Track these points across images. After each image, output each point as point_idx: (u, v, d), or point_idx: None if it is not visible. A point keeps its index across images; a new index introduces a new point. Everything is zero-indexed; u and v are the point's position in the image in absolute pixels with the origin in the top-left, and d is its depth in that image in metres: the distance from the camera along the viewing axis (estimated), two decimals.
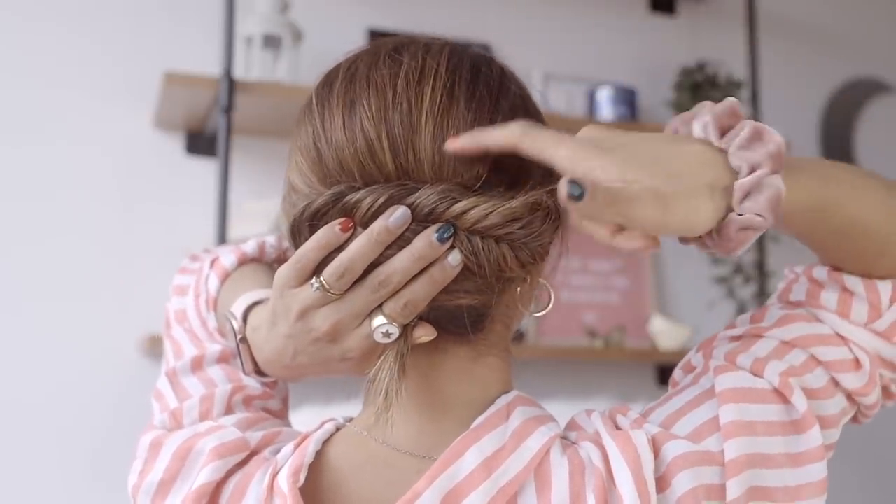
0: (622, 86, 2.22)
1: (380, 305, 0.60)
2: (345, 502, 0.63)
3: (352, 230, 0.59)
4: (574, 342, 2.11)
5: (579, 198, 0.52)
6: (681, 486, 0.59)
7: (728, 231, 0.57)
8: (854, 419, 0.70)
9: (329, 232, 0.59)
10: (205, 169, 1.94)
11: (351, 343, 0.61)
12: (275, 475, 0.62)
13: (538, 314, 0.66)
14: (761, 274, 2.20)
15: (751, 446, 0.61)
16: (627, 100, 2.20)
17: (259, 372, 0.70)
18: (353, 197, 0.59)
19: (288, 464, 0.62)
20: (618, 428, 0.64)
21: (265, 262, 0.82)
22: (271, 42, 1.88)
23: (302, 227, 0.61)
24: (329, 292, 0.59)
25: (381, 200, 0.58)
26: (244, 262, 0.78)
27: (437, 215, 0.58)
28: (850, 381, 0.66)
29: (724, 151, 0.58)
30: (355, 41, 2.11)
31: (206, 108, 1.84)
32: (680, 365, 0.73)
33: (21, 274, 1.81)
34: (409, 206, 0.58)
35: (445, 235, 0.58)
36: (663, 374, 2.23)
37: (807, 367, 0.66)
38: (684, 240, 0.60)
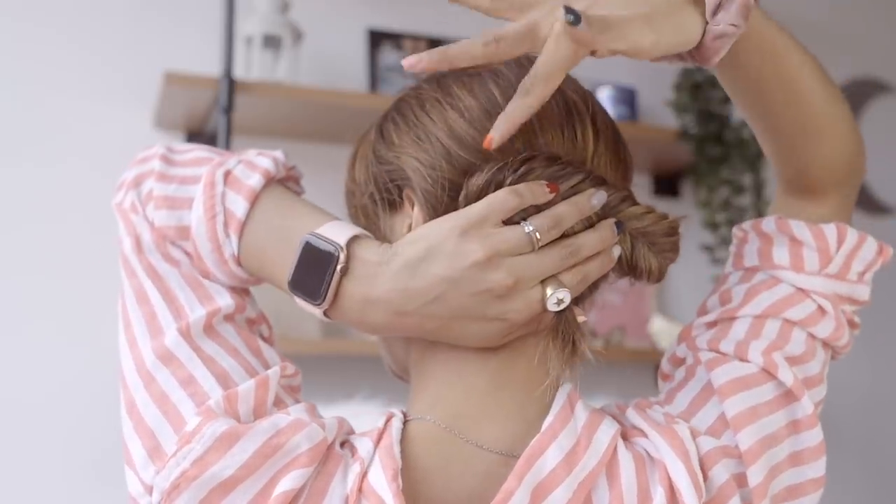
0: (622, 86, 2.22)
1: (555, 276, 0.64)
2: (438, 500, 0.63)
3: (556, 193, 0.64)
4: None
5: (575, 22, 0.58)
6: (718, 478, 0.63)
7: (705, 41, 0.63)
8: (832, 358, 0.75)
9: (541, 187, 0.64)
10: None
11: (518, 304, 0.62)
12: (363, 476, 0.60)
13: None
14: None
15: (760, 431, 0.66)
16: (627, 100, 2.20)
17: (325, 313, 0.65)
18: (565, 169, 0.65)
19: (378, 465, 0.61)
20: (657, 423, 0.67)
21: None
22: (271, 42, 1.88)
23: (502, 179, 0.64)
24: (536, 240, 0.63)
25: (585, 182, 0.66)
26: (269, 181, 0.69)
27: (617, 211, 0.66)
28: (822, 330, 0.72)
29: None
30: (355, 41, 2.11)
31: (206, 108, 1.84)
32: (666, 357, 0.77)
33: (21, 274, 1.81)
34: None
35: (620, 230, 0.66)
36: None
37: (784, 335, 0.71)
38: (666, 58, 0.66)
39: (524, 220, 0.63)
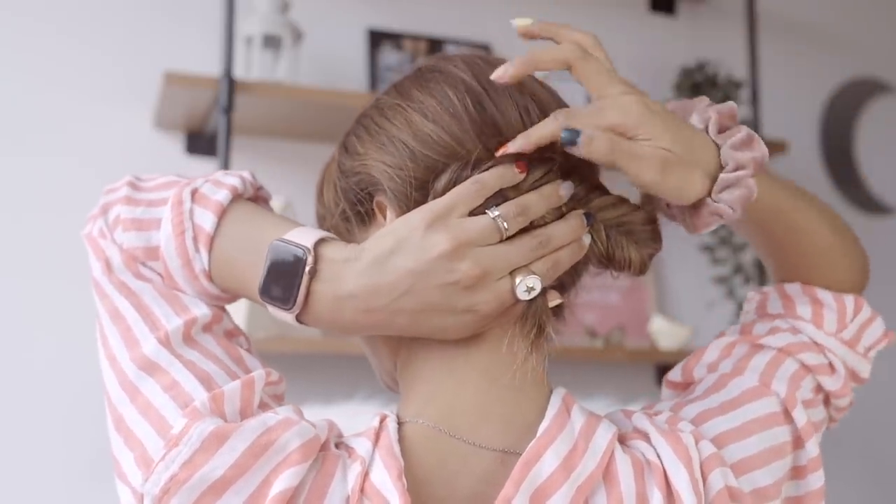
0: None
1: (525, 266, 0.63)
2: (439, 500, 0.62)
3: (526, 173, 0.65)
4: (574, 342, 2.11)
5: (574, 142, 0.62)
6: (714, 485, 0.64)
7: (701, 211, 0.66)
8: (829, 422, 0.78)
9: (509, 169, 0.65)
10: (205, 169, 1.94)
11: (487, 295, 0.62)
12: (365, 475, 0.60)
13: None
14: (761, 274, 2.20)
15: (763, 442, 0.69)
16: None
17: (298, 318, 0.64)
18: (530, 163, 0.66)
19: (381, 465, 0.60)
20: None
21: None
22: (271, 42, 1.88)
23: (466, 177, 0.65)
24: (503, 228, 0.63)
25: (551, 174, 0.66)
26: (236, 196, 0.69)
27: (587, 202, 0.67)
28: (830, 383, 0.75)
29: (717, 146, 0.66)
30: (355, 41, 2.11)
31: (206, 108, 1.84)
32: (676, 376, 0.79)
33: (20, 272, 1.81)
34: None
35: (590, 221, 0.67)
36: (663, 374, 2.22)
37: (799, 377, 0.74)
38: (660, 208, 0.69)
39: (490, 208, 0.64)
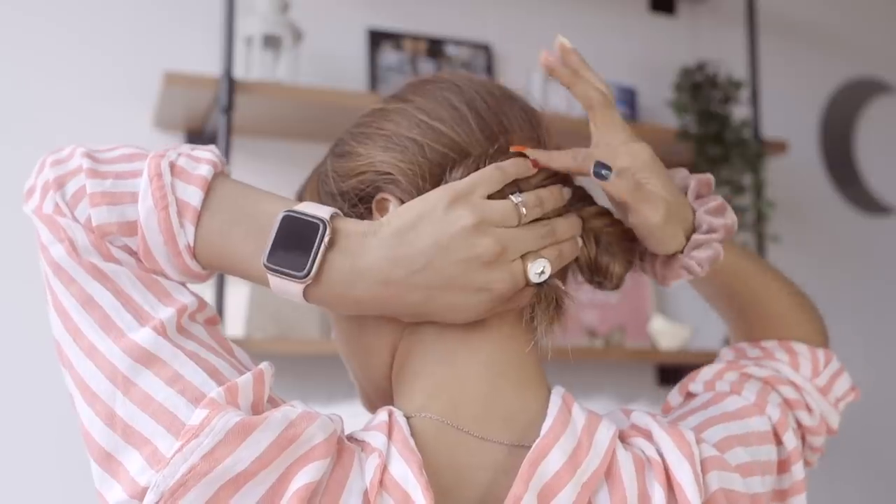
0: (622, 86, 2.22)
1: (535, 252, 0.67)
2: (451, 494, 0.63)
3: (537, 171, 0.70)
4: (574, 342, 2.11)
5: (605, 177, 0.68)
6: (710, 486, 0.66)
7: (673, 264, 0.72)
8: (805, 464, 0.81)
9: (525, 162, 0.69)
10: None
11: (502, 274, 0.64)
12: (384, 469, 0.60)
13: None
14: None
15: (753, 456, 0.71)
16: (627, 100, 2.20)
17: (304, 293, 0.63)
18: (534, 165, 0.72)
19: (399, 458, 0.60)
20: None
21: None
22: (271, 42, 1.88)
23: (492, 160, 0.69)
24: (522, 214, 0.66)
25: (551, 177, 0.71)
26: (217, 171, 0.66)
27: (576, 208, 0.72)
28: (808, 419, 0.79)
29: (693, 210, 0.73)
30: (355, 41, 2.11)
31: (206, 108, 1.84)
32: (674, 399, 0.82)
33: (20, 275, 1.81)
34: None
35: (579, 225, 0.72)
36: (663, 374, 2.23)
37: (785, 408, 0.77)
38: (637, 263, 0.75)
39: (511, 194, 0.67)
